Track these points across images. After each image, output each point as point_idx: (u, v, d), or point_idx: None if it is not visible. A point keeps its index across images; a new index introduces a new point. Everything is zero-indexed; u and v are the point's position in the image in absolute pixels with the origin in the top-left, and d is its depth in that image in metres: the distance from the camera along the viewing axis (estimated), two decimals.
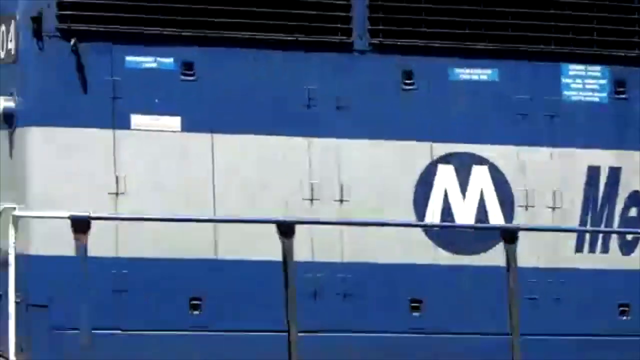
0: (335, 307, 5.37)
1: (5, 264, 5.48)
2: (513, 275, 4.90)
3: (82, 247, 4.68)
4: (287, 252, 4.81)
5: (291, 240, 4.82)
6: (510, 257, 4.93)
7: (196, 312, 5.28)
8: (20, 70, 5.37)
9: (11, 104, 5.43)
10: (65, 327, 5.09)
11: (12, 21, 5.51)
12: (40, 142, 5.28)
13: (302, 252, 5.27)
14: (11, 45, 5.54)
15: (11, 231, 4.79)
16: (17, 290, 5.30)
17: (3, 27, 5.48)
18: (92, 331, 4.83)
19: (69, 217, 4.70)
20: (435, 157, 5.51)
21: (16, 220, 4.79)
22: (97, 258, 5.18)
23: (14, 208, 5.28)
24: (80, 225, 4.69)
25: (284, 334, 5.08)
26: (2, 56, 5.46)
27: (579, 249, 5.63)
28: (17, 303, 5.33)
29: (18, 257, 5.31)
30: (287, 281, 4.79)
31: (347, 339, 5.36)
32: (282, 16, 5.39)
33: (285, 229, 4.82)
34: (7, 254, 5.24)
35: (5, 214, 4.96)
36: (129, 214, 5.04)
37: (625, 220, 5.64)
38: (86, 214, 4.70)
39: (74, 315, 5.06)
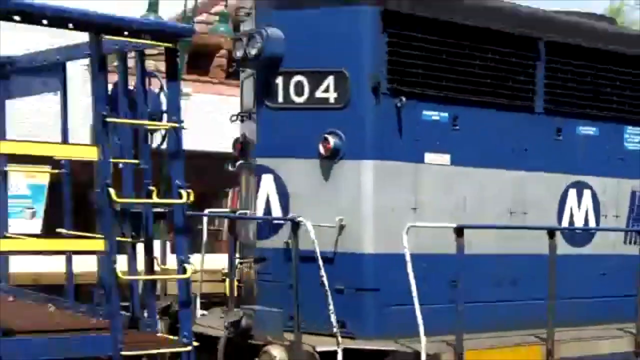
0: (506, 289, 7.97)
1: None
2: None
3: (461, 247, 6.78)
4: (552, 249, 7.37)
5: (554, 241, 7.39)
6: None
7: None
8: (354, 116, 7.14)
9: (339, 141, 7.15)
10: (393, 303, 7.09)
11: (330, 76, 7.20)
12: (372, 170, 7.17)
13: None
14: (328, 93, 7.20)
15: (405, 237, 6.67)
16: (341, 279, 7.10)
17: (327, 79, 7.15)
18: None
19: (454, 227, 6.77)
20: (568, 184, 8.39)
21: (409, 229, 6.69)
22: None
23: (342, 219, 7.12)
24: (460, 232, 6.80)
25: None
26: (331, 101, 7.15)
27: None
28: (340, 289, 7.12)
29: (349, 255, 7.10)
30: (551, 270, 7.35)
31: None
32: (503, 87, 7.85)
33: (552, 234, 7.38)
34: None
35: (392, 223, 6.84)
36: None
37: None
38: (461, 224, 6.82)
39: (396, 295, 7.07)
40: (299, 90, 7.38)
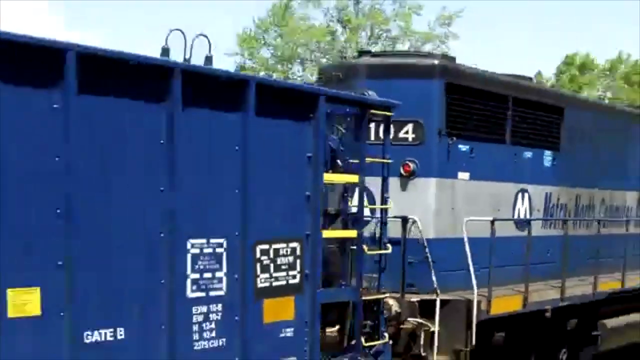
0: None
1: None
2: None
3: (494, 231, 10.82)
4: (530, 232, 11.61)
5: (531, 227, 11.65)
6: None
7: None
8: (425, 150, 10.93)
9: (415, 166, 10.92)
10: (443, 270, 10.98)
11: (410, 124, 10.92)
12: (435, 185, 11.04)
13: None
14: (407, 135, 10.93)
15: (464, 228, 10.59)
16: (412, 254, 10.88)
17: (408, 125, 10.87)
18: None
19: (491, 220, 10.78)
20: (517, 190, 12.71)
21: (467, 223, 10.61)
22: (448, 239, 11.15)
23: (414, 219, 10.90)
24: (493, 222, 10.83)
25: None
26: (410, 140, 10.87)
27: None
28: (411, 262, 10.91)
29: (417, 239, 10.89)
30: (528, 246, 11.60)
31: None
32: (494, 128, 11.97)
33: (529, 223, 11.63)
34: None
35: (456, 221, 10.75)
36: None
37: (552, 215, 13.61)
38: (493, 217, 10.85)
39: (444, 265, 11.00)
40: (393, 132, 11.08)
